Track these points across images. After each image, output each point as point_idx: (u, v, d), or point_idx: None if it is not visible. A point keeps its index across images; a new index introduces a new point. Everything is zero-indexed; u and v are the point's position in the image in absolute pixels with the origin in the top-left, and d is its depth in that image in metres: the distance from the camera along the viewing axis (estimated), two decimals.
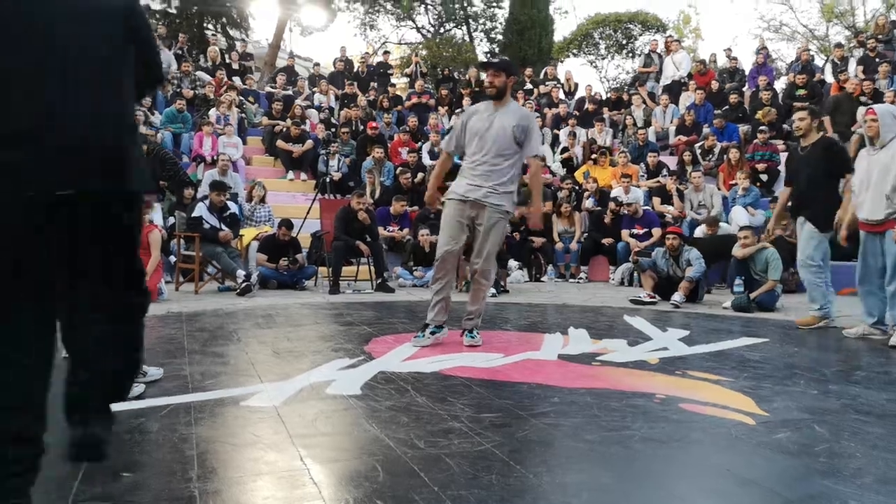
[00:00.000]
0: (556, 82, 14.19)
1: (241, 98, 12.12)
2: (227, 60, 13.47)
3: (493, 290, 7.04)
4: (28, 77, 1.60)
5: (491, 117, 3.98)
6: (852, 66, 11.63)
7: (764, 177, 9.57)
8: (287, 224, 7.53)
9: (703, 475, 2.02)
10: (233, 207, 7.56)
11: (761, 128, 10.12)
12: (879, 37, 12.04)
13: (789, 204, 5.25)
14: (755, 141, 10.02)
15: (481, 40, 21.81)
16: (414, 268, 8.26)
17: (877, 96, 10.03)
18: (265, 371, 3.28)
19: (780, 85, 12.94)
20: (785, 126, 10.89)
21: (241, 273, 6.79)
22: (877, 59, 11.32)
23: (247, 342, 4.10)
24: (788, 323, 5.27)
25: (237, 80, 12.81)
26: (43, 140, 1.57)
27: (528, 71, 14.91)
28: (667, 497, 1.83)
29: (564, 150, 11.39)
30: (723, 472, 2.00)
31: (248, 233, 7.99)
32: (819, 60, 14.69)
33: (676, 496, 1.86)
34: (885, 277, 4.45)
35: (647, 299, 6.40)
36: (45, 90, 1.60)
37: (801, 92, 11.27)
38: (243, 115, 11.73)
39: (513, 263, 8.55)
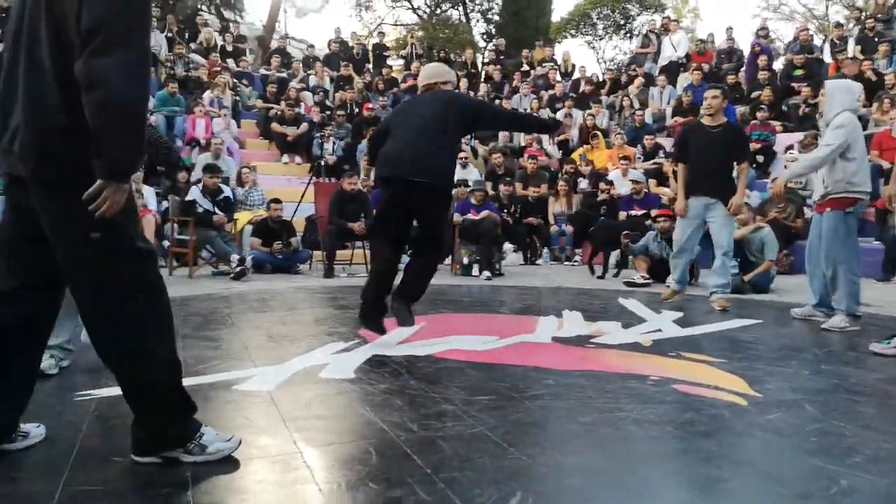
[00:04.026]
0: (553, 63, 14.09)
1: (235, 81, 12.01)
2: (221, 42, 13.33)
3: (487, 273, 7.04)
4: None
5: None
6: (851, 46, 11.55)
7: (760, 157, 9.54)
8: (276, 201, 7.55)
9: (695, 456, 2.03)
10: (226, 191, 7.52)
11: (760, 107, 10.07)
12: (879, 16, 11.95)
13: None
14: (753, 121, 9.98)
15: (478, 21, 21.63)
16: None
17: (877, 76, 10.00)
18: (259, 355, 3.28)
19: (777, 65, 12.85)
20: (783, 107, 10.84)
21: (235, 257, 6.78)
22: (875, 39, 11.24)
23: (241, 326, 4.09)
24: (782, 304, 5.28)
25: (231, 63, 12.67)
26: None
27: (525, 52, 14.80)
28: (658, 478, 1.83)
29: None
30: (714, 453, 2.01)
31: (242, 217, 7.96)
32: (818, 40, 14.59)
33: (668, 477, 1.86)
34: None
35: (641, 281, 6.40)
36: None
37: (799, 72, 11.21)
38: (237, 97, 11.63)
39: (508, 246, 8.53)
